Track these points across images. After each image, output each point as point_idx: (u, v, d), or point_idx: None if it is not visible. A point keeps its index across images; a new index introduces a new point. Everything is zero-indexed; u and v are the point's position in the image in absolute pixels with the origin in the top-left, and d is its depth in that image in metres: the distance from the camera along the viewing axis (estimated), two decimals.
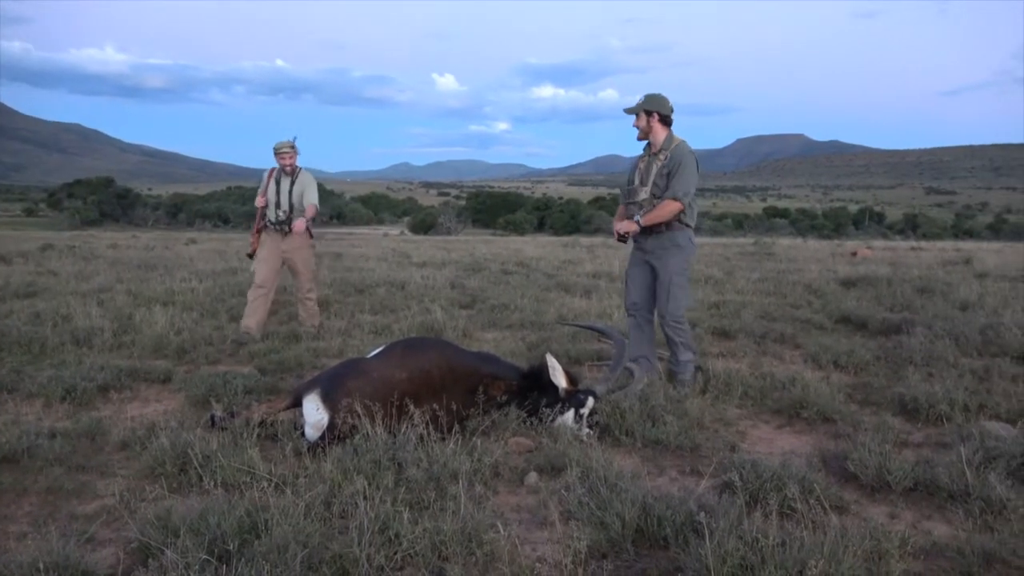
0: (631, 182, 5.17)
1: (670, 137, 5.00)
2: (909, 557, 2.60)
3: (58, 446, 3.71)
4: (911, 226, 63.05)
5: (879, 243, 25.64)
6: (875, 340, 6.53)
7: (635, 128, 5.08)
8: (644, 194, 5.02)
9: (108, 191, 64.03)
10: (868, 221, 70.25)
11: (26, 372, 5.14)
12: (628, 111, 5.07)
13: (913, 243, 26.34)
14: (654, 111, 4.97)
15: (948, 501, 3.15)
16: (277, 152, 6.76)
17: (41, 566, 2.29)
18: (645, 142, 5.11)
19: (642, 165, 5.09)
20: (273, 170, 6.91)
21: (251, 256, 7.02)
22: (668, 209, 4.87)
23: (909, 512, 3.13)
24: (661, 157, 4.96)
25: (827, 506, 2.91)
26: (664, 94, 5.04)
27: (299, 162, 6.95)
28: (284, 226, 6.78)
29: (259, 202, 6.94)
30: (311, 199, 6.83)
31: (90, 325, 6.48)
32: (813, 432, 4.22)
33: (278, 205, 6.81)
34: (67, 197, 63.45)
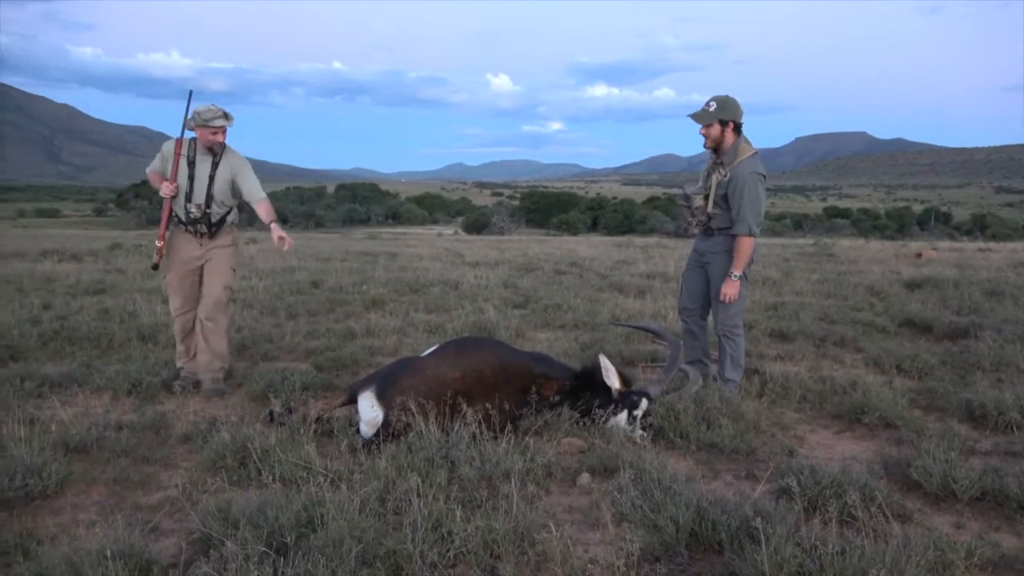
0: (697, 184, 4.91)
1: (736, 147, 4.59)
2: (975, 569, 2.52)
3: (124, 438, 3.85)
4: (979, 226, 60.84)
5: (945, 244, 24.82)
6: (941, 344, 6.33)
7: (702, 136, 4.65)
8: (699, 201, 4.75)
9: None
10: (934, 221, 68.06)
11: (95, 366, 5.34)
12: (698, 119, 4.61)
13: (981, 244, 25.42)
14: (730, 120, 4.57)
15: (1018, 512, 3.05)
16: (204, 123, 4.74)
17: (108, 553, 2.38)
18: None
19: (706, 170, 4.79)
20: (180, 143, 4.87)
21: (156, 268, 5.09)
22: (746, 248, 4.58)
23: (976, 522, 3.02)
24: (722, 170, 4.62)
25: (889, 514, 2.84)
26: (730, 95, 4.64)
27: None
28: (201, 226, 4.97)
29: (167, 190, 4.84)
30: (257, 192, 5.00)
31: (155, 322, 6.69)
32: (874, 438, 4.12)
33: (190, 197, 4.89)
34: (134, 197, 65.57)
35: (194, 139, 4.89)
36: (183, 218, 4.94)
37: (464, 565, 2.59)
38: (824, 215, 72.87)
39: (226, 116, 4.80)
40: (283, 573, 2.30)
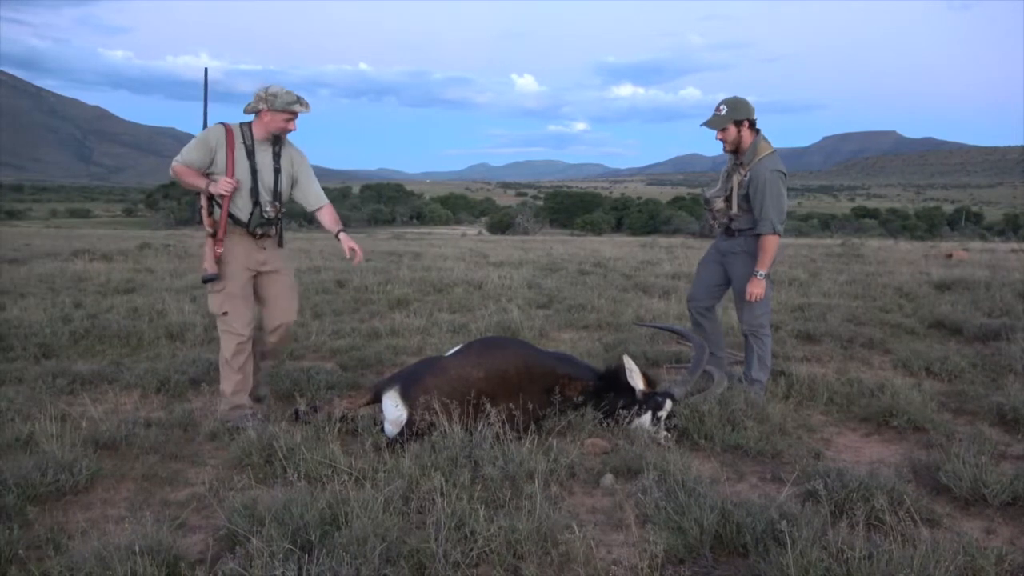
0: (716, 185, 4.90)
1: (755, 146, 4.56)
2: (1006, 575, 2.47)
3: (153, 435, 3.90)
4: (1012, 227, 59.79)
5: (976, 245, 24.42)
6: (971, 346, 6.23)
7: (720, 141, 4.62)
8: (720, 204, 4.75)
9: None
10: (964, 222, 66.99)
11: (125, 364, 5.42)
12: (712, 125, 4.59)
13: (1014, 245, 24.99)
14: (744, 119, 4.55)
15: None
16: (284, 106, 3.98)
17: (137, 549, 2.41)
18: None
19: (727, 172, 4.78)
20: (232, 131, 4.06)
21: (210, 280, 4.13)
22: (771, 247, 4.53)
23: (1007, 528, 2.97)
24: (742, 171, 4.60)
25: (918, 519, 2.80)
26: (741, 95, 4.63)
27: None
28: (269, 228, 4.21)
29: (226, 187, 3.97)
30: (323, 196, 4.38)
31: (183, 320, 6.77)
32: (903, 441, 4.06)
33: (256, 194, 4.09)
34: (163, 198, 66.51)
35: (248, 125, 4.12)
36: (246, 219, 4.10)
37: (487, 565, 2.59)
38: (852, 215, 72.01)
39: (301, 101, 4.02)
40: (308, 570, 2.32)
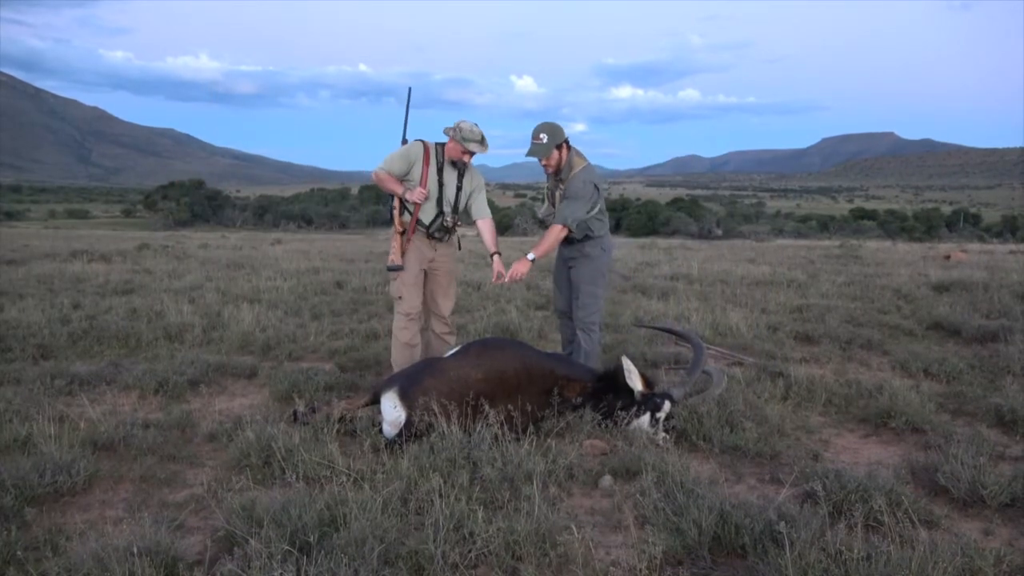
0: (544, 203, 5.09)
1: (570, 162, 4.80)
2: None
3: (151, 436, 3.89)
4: (1010, 228, 59.76)
5: (975, 246, 24.46)
6: (969, 348, 6.24)
7: (545, 167, 4.85)
8: (551, 221, 4.90)
9: (199, 193, 66.84)
10: (963, 223, 66.97)
11: (123, 365, 5.42)
12: (539, 155, 4.74)
13: (1012, 246, 25.01)
14: (562, 141, 4.76)
15: None
16: (462, 139, 4.63)
17: (135, 550, 2.41)
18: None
19: (549, 190, 5.03)
20: (429, 150, 4.74)
21: (395, 270, 4.80)
22: (552, 236, 4.75)
23: (1005, 529, 2.97)
24: (562, 186, 4.84)
25: (916, 520, 2.80)
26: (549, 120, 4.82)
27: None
28: (446, 235, 4.91)
29: (418, 196, 4.66)
30: (486, 210, 4.97)
31: (181, 321, 6.78)
32: (901, 442, 4.06)
33: (440, 204, 4.77)
34: (161, 199, 66.47)
35: (441, 145, 4.76)
36: (427, 224, 4.77)
37: (485, 566, 2.59)
38: (851, 217, 72.00)
39: (483, 143, 4.67)
40: (306, 572, 2.32)
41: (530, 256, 4.75)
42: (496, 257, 4.84)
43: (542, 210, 5.09)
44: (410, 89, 4.95)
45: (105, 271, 11.19)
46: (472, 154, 4.72)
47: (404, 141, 4.83)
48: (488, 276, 10.24)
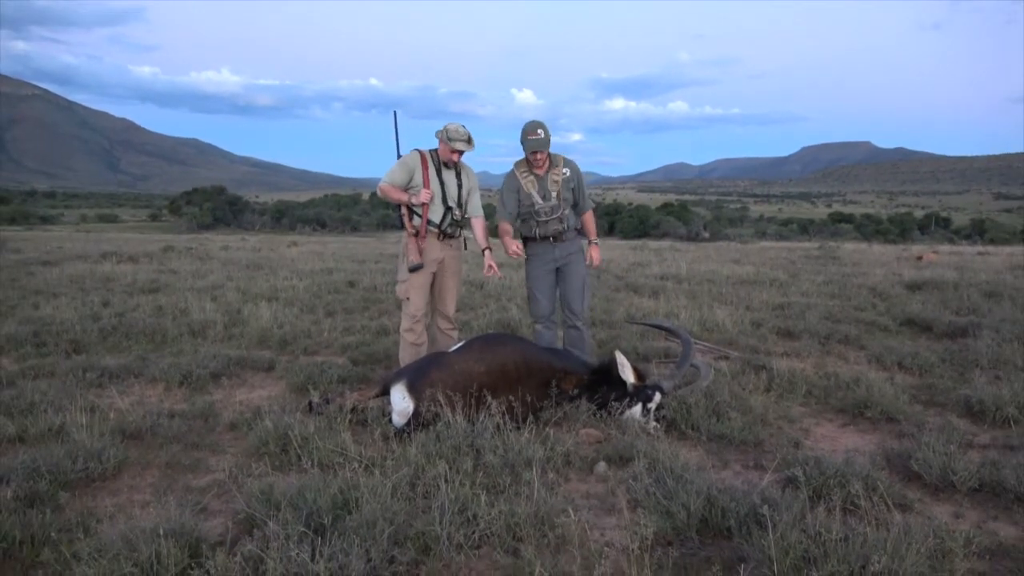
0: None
1: (549, 155, 4.87)
2: (974, 556, 2.47)
3: (176, 426, 3.90)
4: (978, 231, 59.62)
5: (945, 248, 24.41)
6: (941, 343, 6.23)
7: (542, 160, 4.82)
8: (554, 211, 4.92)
9: (221, 198, 66.74)
10: (934, 226, 66.82)
11: (150, 359, 5.42)
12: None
13: (980, 248, 24.98)
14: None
15: (1015, 503, 2.99)
16: (449, 140, 4.67)
17: (161, 532, 2.41)
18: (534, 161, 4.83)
19: (533, 183, 4.90)
20: (425, 156, 4.80)
21: (416, 268, 4.76)
22: (593, 219, 5.12)
23: (974, 512, 2.97)
24: (556, 172, 4.87)
25: (890, 504, 2.80)
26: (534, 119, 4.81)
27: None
28: (456, 230, 4.96)
29: (426, 196, 4.72)
30: (478, 208, 5.02)
31: (204, 318, 6.77)
32: (877, 431, 4.06)
33: (446, 202, 4.82)
34: (185, 204, 66.36)
35: (434, 150, 4.82)
36: (436, 222, 4.82)
37: (488, 546, 2.59)
38: (829, 220, 71.87)
39: (469, 141, 4.73)
40: (321, 552, 2.32)
41: (596, 241, 5.06)
42: (487, 252, 4.94)
43: (539, 204, 4.84)
44: (395, 113, 4.97)
45: (133, 271, 11.19)
46: (461, 152, 4.74)
47: (399, 156, 4.88)
48: (489, 277, 10.24)
